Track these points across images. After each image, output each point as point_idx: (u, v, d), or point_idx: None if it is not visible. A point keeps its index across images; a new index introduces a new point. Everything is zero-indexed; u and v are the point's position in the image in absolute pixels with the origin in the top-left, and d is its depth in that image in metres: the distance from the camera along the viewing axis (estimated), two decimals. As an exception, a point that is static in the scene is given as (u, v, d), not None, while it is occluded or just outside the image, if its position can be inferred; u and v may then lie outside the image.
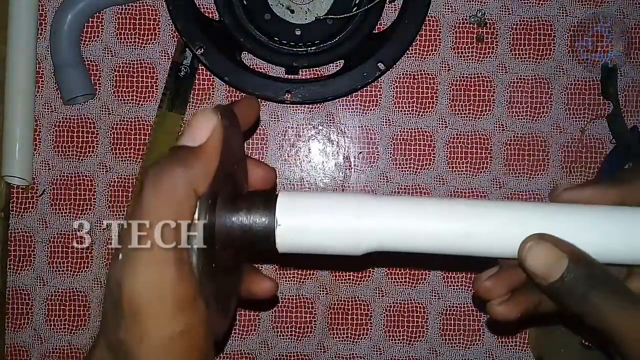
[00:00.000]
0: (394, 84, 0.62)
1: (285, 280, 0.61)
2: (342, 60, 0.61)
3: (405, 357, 0.61)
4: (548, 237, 0.32)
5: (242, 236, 0.33)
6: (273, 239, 0.33)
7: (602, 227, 0.32)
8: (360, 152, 0.62)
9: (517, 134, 0.62)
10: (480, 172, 0.62)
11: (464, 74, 0.62)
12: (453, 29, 0.62)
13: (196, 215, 0.30)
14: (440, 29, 0.62)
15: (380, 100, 0.62)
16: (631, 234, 0.32)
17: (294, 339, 0.61)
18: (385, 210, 0.33)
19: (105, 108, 0.62)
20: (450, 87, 0.62)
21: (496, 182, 0.62)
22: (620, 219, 0.32)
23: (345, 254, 0.34)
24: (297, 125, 0.62)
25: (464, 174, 0.62)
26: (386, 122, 0.62)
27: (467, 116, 0.62)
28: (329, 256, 0.34)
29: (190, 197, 0.29)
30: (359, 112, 0.62)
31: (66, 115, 0.62)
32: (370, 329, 0.61)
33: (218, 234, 0.33)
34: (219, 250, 0.33)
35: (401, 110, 0.62)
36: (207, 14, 0.61)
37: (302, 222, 0.33)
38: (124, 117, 0.62)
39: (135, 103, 0.62)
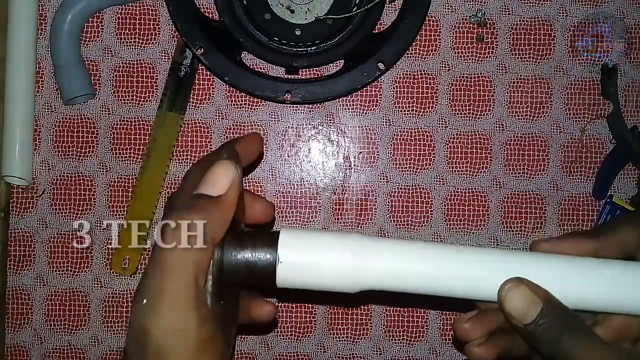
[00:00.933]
0: (394, 84, 0.62)
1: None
2: (342, 60, 0.61)
3: (405, 357, 0.61)
4: (526, 281, 0.34)
5: (247, 273, 0.34)
6: (274, 275, 0.34)
7: (574, 276, 0.35)
8: (360, 152, 0.62)
9: (517, 134, 0.62)
10: (480, 172, 0.62)
11: (464, 74, 0.62)
12: (453, 29, 0.62)
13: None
14: (440, 29, 0.62)
15: (380, 100, 0.62)
16: (598, 283, 0.35)
17: (294, 339, 0.61)
18: (381, 254, 0.35)
19: (105, 108, 0.62)
20: (450, 87, 0.62)
21: (496, 182, 0.62)
22: (590, 269, 0.35)
23: (341, 292, 0.36)
24: (297, 125, 0.62)
25: (464, 174, 0.62)
26: (386, 122, 0.62)
27: (467, 116, 0.62)
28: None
29: (209, 246, 0.31)
30: (359, 112, 0.62)
31: (66, 115, 0.62)
32: (370, 329, 0.61)
33: (226, 271, 0.34)
34: (225, 286, 0.34)
35: (401, 110, 0.62)
36: (207, 14, 0.61)
37: (303, 260, 0.34)
38: (124, 117, 0.62)
39: (135, 103, 0.62)
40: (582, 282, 0.35)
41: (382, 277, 0.35)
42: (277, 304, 0.61)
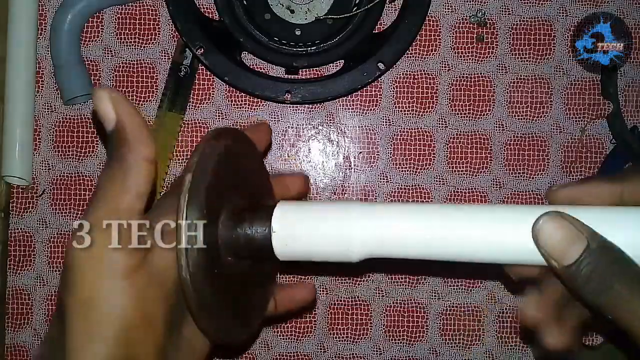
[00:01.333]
0: (394, 84, 0.62)
1: (285, 281, 0.61)
2: (342, 60, 0.61)
3: (405, 357, 0.61)
4: (565, 215, 0.28)
5: (246, 245, 0.34)
6: (272, 247, 0.34)
7: (608, 229, 0.29)
8: (360, 152, 0.62)
9: (517, 134, 0.62)
10: (480, 172, 0.62)
11: (464, 74, 0.62)
12: (453, 29, 0.62)
13: (183, 222, 0.31)
14: (440, 29, 0.62)
15: (380, 100, 0.62)
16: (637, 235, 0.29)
17: (294, 339, 0.61)
18: (374, 216, 0.32)
19: (105, 108, 0.62)
20: (450, 87, 0.62)
21: (496, 182, 0.62)
22: (626, 220, 0.29)
23: (340, 261, 0.34)
24: (297, 125, 0.62)
25: (464, 174, 0.62)
26: (386, 122, 0.62)
27: (467, 116, 0.62)
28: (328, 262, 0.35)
29: (133, 193, 0.31)
30: (359, 112, 0.62)
31: (66, 115, 0.62)
32: (370, 329, 0.61)
33: (224, 243, 0.34)
34: (230, 261, 0.34)
35: (401, 110, 0.62)
36: (207, 14, 0.61)
37: (295, 229, 0.34)
38: (124, 117, 0.62)
39: (135, 103, 0.62)
40: (618, 235, 0.28)
41: (378, 242, 0.32)
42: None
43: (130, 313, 0.28)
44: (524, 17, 0.62)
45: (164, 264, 0.30)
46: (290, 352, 0.61)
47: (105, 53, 0.62)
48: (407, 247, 0.32)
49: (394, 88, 0.62)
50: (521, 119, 0.62)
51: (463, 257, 0.32)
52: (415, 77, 0.62)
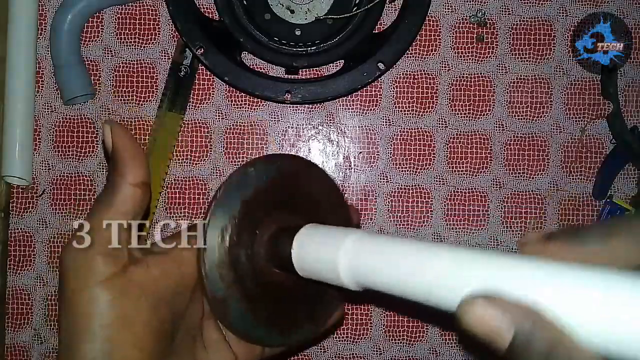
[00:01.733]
0: (394, 84, 0.62)
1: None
2: (342, 60, 0.61)
3: (405, 357, 0.61)
4: (489, 300, 0.24)
5: (281, 259, 0.36)
6: (292, 264, 0.36)
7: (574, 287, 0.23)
8: (360, 152, 0.62)
9: (517, 134, 0.62)
10: (480, 172, 0.62)
11: (464, 74, 0.62)
12: (453, 29, 0.62)
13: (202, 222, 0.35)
14: (440, 29, 0.62)
15: (380, 100, 0.62)
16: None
17: (294, 339, 0.61)
18: (359, 249, 0.32)
19: (105, 108, 0.62)
20: (450, 87, 0.62)
21: (496, 182, 0.62)
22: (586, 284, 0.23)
23: (340, 285, 0.34)
24: (297, 125, 0.62)
25: (464, 174, 0.62)
26: (386, 122, 0.62)
27: (467, 116, 0.62)
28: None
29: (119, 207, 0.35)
30: (359, 112, 0.62)
31: (66, 115, 0.62)
32: (370, 329, 0.61)
33: (265, 254, 0.37)
34: (276, 272, 0.37)
35: (401, 110, 0.62)
36: (207, 14, 0.61)
37: (304, 250, 0.35)
38: (124, 117, 0.62)
39: (135, 103, 0.62)
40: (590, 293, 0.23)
41: (360, 273, 0.32)
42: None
43: (106, 313, 0.32)
44: (524, 17, 0.62)
45: (149, 277, 0.34)
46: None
47: (105, 53, 0.62)
48: (380, 283, 0.31)
49: (394, 88, 0.62)
50: (521, 119, 0.62)
51: (414, 297, 0.29)
52: (415, 77, 0.62)
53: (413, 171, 0.62)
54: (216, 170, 0.62)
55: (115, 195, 0.34)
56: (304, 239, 0.35)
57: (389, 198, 0.61)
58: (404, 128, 0.62)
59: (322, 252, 0.34)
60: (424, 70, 0.62)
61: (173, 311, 0.35)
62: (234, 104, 0.62)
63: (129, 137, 0.34)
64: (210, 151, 0.62)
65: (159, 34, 0.62)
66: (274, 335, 0.38)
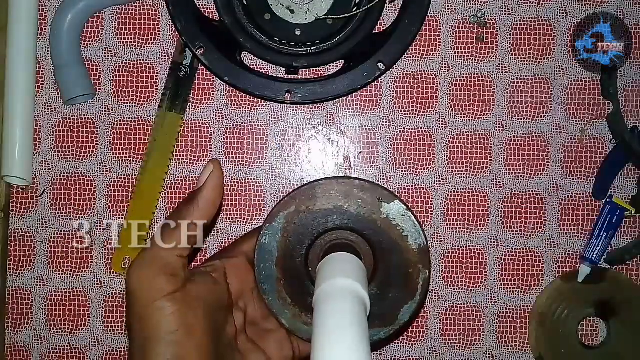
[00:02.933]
0: (394, 84, 0.62)
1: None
2: (342, 60, 0.61)
3: (405, 357, 0.61)
4: None
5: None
6: None
7: None
8: (360, 152, 0.62)
9: (517, 134, 0.62)
10: (480, 172, 0.62)
11: (464, 74, 0.62)
12: (453, 29, 0.62)
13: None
14: (440, 29, 0.62)
15: (380, 100, 0.62)
16: None
17: (294, 339, 0.61)
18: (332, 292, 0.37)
19: (105, 108, 0.62)
20: (450, 87, 0.62)
21: (496, 182, 0.62)
22: None
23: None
24: (297, 125, 0.62)
25: (464, 174, 0.62)
26: (386, 122, 0.62)
27: (467, 116, 0.62)
28: None
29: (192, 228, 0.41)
30: (359, 112, 0.62)
31: (66, 115, 0.62)
32: (370, 329, 0.61)
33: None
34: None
35: (401, 110, 0.62)
36: (207, 14, 0.61)
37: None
38: (124, 117, 0.62)
39: (135, 103, 0.62)
40: None
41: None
42: None
43: (173, 321, 0.37)
44: (524, 17, 0.62)
45: (201, 293, 0.40)
46: (290, 352, 0.61)
47: (105, 53, 0.62)
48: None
49: (394, 88, 0.62)
50: (521, 119, 0.62)
51: None
52: (415, 77, 0.62)
53: (413, 171, 0.62)
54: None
55: (177, 229, 0.40)
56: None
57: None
58: (404, 128, 0.62)
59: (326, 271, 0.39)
60: (424, 70, 0.62)
61: (216, 324, 0.41)
62: (234, 104, 0.62)
63: (220, 186, 0.41)
64: (210, 151, 0.62)
65: (159, 34, 0.62)
66: (297, 319, 0.43)
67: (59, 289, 0.62)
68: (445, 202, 0.62)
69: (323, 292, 0.36)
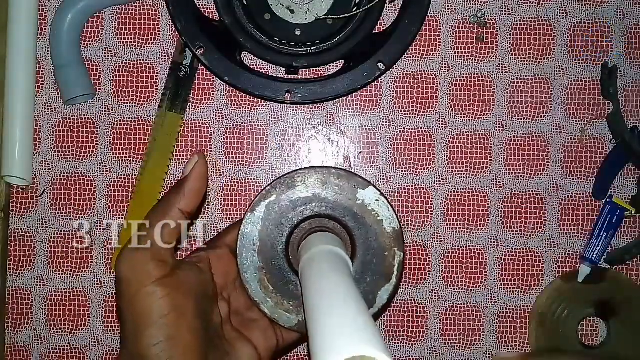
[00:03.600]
0: (394, 84, 0.62)
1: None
2: (342, 60, 0.61)
3: (405, 357, 0.61)
4: None
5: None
6: None
7: None
8: (360, 152, 0.62)
9: (517, 134, 0.62)
10: (480, 172, 0.62)
11: (464, 74, 0.62)
12: (453, 29, 0.62)
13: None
14: (440, 29, 0.62)
15: (380, 100, 0.62)
16: None
17: (294, 339, 0.61)
18: (321, 256, 0.39)
19: (105, 108, 0.62)
20: (450, 87, 0.62)
21: (496, 182, 0.62)
22: None
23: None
24: (297, 125, 0.62)
25: (464, 174, 0.62)
26: (386, 122, 0.62)
27: (467, 116, 0.62)
28: None
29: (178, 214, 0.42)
30: (359, 112, 0.62)
31: (66, 115, 0.62)
32: (370, 329, 0.61)
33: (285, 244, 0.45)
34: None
35: (401, 110, 0.62)
36: (207, 14, 0.61)
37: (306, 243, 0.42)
38: (124, 117, 0.62)
39: (135, 103, 0.62)
40: None
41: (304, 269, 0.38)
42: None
43: (164, 304, 0.38)
44: (524, 17, 0.62)
45: (189, 279, 0.41)
46: (291, 352, 0.61)
47: (105, 53, 0.62)
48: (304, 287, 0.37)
49: (394, 88, 0.62)
50: (521, 119, 0.62)
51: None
52: (415, 77, 0.62)
53: (413, 171, 0.62)
54: (216, 170, 0.62)
55: (165, 213, 0.41)
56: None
57: (388, 198, 0.61)
58: (404, 128, 0.62)
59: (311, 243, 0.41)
60: (424, 70, 0.62)
61: (204, 312, 0.41)
62: (234, 104, 0.62)
63: (204, 175, 0.42)
64: (210, 151, 0.62)
65: (159, 34, 0.62)
66: (285, 311, 0.44)
67: (59, 289, 0.62)
68: (445, 202, 0.62)
69: (307, 259, 0.38)
